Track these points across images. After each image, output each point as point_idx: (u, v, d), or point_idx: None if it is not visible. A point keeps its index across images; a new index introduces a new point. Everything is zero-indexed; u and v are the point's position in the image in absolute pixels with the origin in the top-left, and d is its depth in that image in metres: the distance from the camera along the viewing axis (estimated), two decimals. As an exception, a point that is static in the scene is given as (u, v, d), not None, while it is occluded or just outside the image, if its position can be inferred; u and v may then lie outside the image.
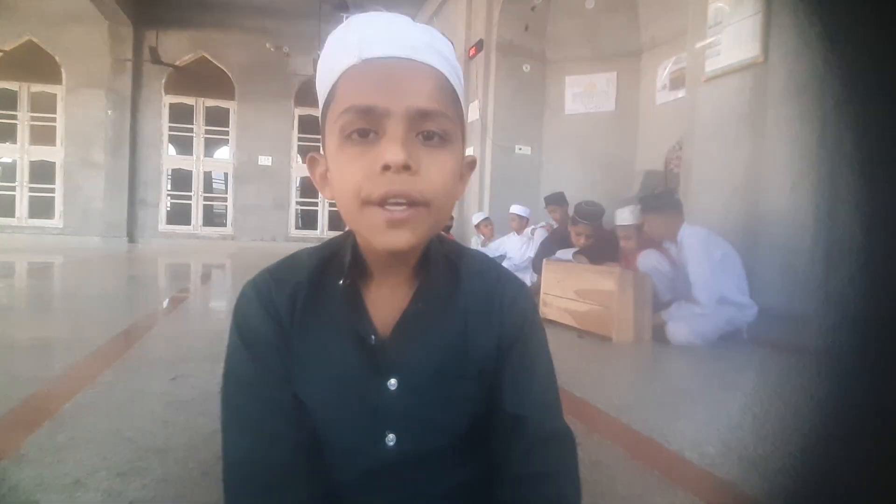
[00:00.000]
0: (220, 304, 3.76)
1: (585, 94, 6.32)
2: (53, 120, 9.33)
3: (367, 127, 0.47)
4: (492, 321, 0.60)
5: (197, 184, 10.11)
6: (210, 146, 11.31)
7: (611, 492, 1.10)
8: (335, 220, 10.00)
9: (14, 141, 9.39)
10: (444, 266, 0.60)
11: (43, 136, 9.41)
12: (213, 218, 11.25)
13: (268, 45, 9.03)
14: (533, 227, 4.81)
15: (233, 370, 0.57)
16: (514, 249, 4.80)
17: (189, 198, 10.14)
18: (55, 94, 9.29)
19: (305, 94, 9.98)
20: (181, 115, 9.87)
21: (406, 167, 0.46)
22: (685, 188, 3.72)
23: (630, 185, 5.64)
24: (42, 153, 9.45)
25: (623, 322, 2.72)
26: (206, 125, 10.09)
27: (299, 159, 10.31)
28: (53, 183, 9.37)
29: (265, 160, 10.10)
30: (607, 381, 2.12)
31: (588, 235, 3.43)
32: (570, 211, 3.94)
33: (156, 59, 9.05)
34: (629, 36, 5.87)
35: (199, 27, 9.54)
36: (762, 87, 3.08)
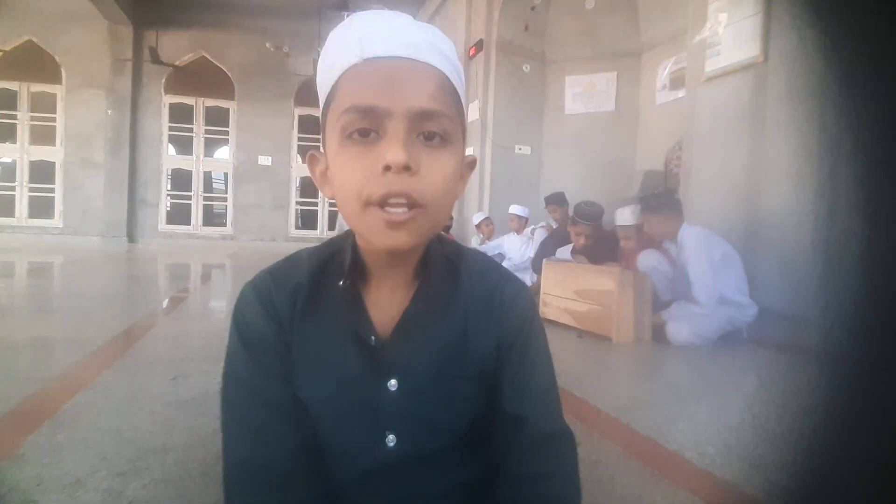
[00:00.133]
0: (219, 304, 3.76)
1: (585, 94, 6.32)
2: (53, 120, 9.33)
3: (368, 127, 0.47)
4: (492, 321, 0.60)
5: (197, 184, 10.12)
6: (210, 146, 11.32)
7: (611, 492, 1.10)
8: (335, 220, 9.98)
9: (14, 141, 9.40)
10: (444, 266, 0.60)
11: (43, 135, 9.42)
12: (212, 218, 11.25)
13: (268, 45, 9.03)
14: (533, 227, 4.81)
15: (233, 371, 0.57)
16: (513, 249, 4.80)
17: (189, 198, 10.15)
18: (55, 94, 9.30)
19: (305, 93, 9.98)
20: (181, 114, 9.87)
21: (407, 168, 0.46)
22: (685, 188, 3.72)
23: (630, 185, 5.64)
24: (42, 153, 9.45)
25: (623, 322, 2.72)
26: (206, 125, 10.09)
27: (299, 159, 10.32)
28: (53, 183, 9.38)
29: (265, 160, 10.10)
30: (607, 381, 2.12)
31: (588, 235, 3.43)
32: (570, 211, 3.94)
33: (156, 59, 9.05)
34: (629, 36, 5.87)
35: (199, 27, 9.54)
36: (762, 87, 3.08)
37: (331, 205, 10.09)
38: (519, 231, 4.86)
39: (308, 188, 10.55)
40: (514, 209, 4.87)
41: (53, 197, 9.39)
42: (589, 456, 1.24)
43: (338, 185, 0.50)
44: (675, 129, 4.82)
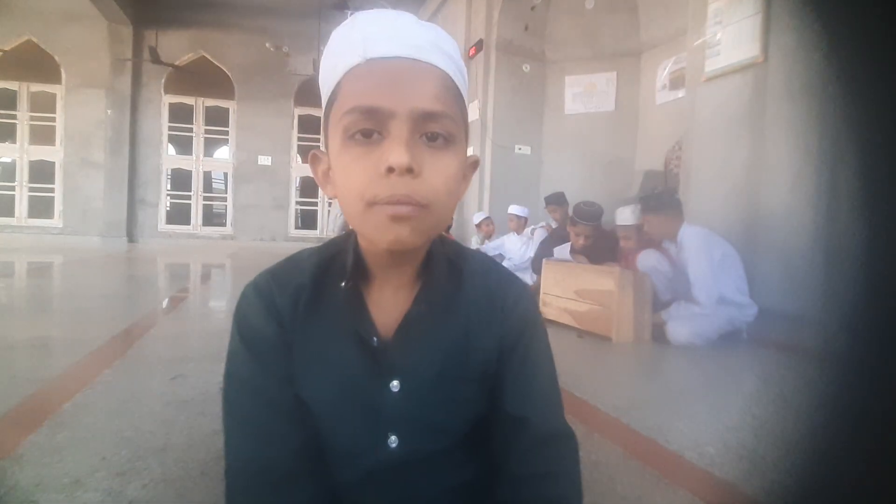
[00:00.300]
0: (219, 304, 3.76)
1: (585, 94, 6.32)
2: (53, 119, 9.33)
3: (370, 128, 0.47)
4: (494, 323, 0.60)
5: (197, 183, 10.11)
6: (210, 146, 11.32)
7: (611, 492, 1.10)
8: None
9: (14, 141, 9.40)
10: (446, 267, 0.60)
11: (42, 135, 9.41)
12: (212, 218, 11.25)
13: (268, 44, 9.03)
14: (533, 227, 4.81)
15: (234, 371, 0.57)
16: (513, 250, 4.80)
17: (189, 197, 10.15)
18: (55, 94, 9.30)
19: (305, 93, 9.98)
20: (181, 114, 9.87)
21: (410, 170, 0.45)
22: (685, 188, 3.73)
23: (630, 185, 5.64)
24: (41, 153, 9.45)
25: (623, 322, 2.72)
26: (206, 125, 10.09)
27: (299, 159, 10.32)
28: (53, 183, 9.38)
29: (265, 160, 10.10)
30: (607, 381, 2.12)
31: (587, 236, 3.43)
32: (570, 211, 3.93)
33: (155, 59, 9.05)
34: (629, 36, 5.87)
35: (198, 27, 9.54)
36: (762, 87, 3.08)
37: (331, 205, 10.08)
38: (519, 231, 4.86)
39: (308, 188, 10.55)
40: (514, 209, 4.87)
41: (53, 197, 9.39)
42: (589, 456, 1.24)
43: (340, 185, 0.50)
44: (674, 129, 4.82)
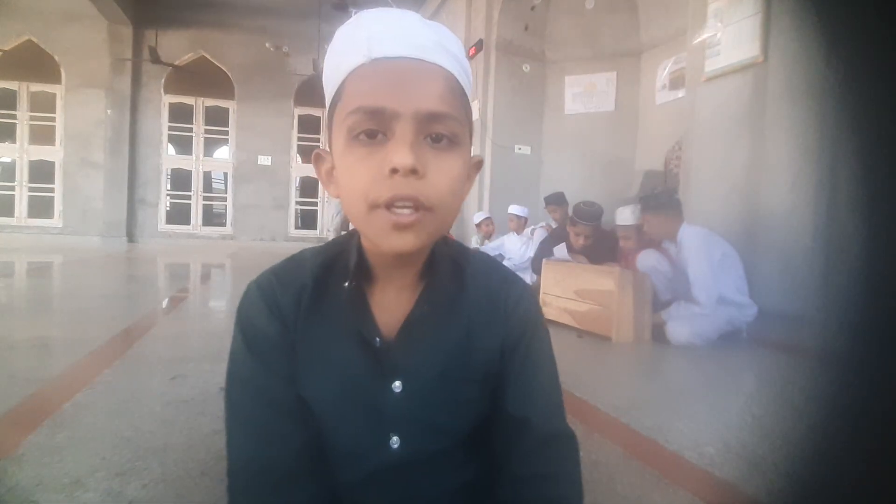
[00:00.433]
0: (219, 304, 3.76)
1: (585, 94, 6.32)
2: (53, 119, 9.33)
3: (375, 128, 0.47)
4: (496, 324, 0.60)
5: (196, 183, 10.11)
6: (210, 146, 11.31)
7: (610, 491, 1.10)
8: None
9: (13, 140, 9.39)
10: (449, 268, 0.60)
11: (42, 135, 9.41)
12: (212, 218, 11.25)
13: (268, 44, 9.03)
14: (532, 227, 4.81)
15: (236, 371, 0.57)
16: (513, 250, 4.80)
17: (189, 197, 10.14)
18: (54, 94, 9.30)
19: (305, 93, 9.98)
20: (181, 114, 9.87)
21: (414, 171, 0.45)
22: (685, 188, 3.73)
23: (630, 185, 5.64)
24: (41, 153, 9.45)
25: (623, 322, 2.72)
26: (206, 125, 10.09)
27: (299, 159, 10.32)
28: (53, 182, 9.37)
29: (265, 160, 10.10)
30: (607, 381, 2.12)
31: (587, 236, 3.43)
32: (570, 211, 3.93)
33: (155, 59, 9.05)
34: (629, 36, 5.87)
35: (198, 27, 9.54)
36: (762, 87, 3.08)
37: (328, 205, 10.07)
38: (519, 231, 4.86)
39: (308, 188, 10.55)
40: (514, 209, 4.87)
41: (53, 197, 9.39)
42: (589, 456, 1.24)
43: (344, 185, 0.50)
44: (674, 129, 4.82)
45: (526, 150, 6.49)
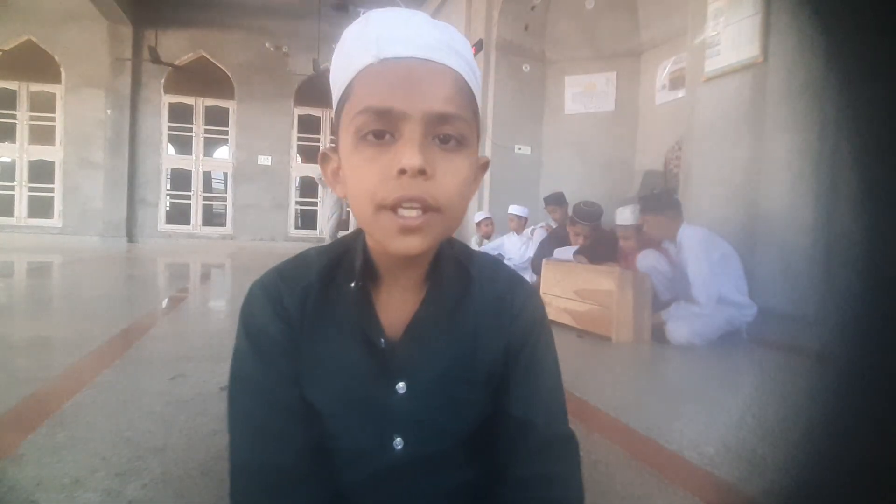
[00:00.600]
0: (219, 304, 3.76)
1: (585, 94, 6.32)
2: (52, 119, 9.32)
3: (383, 129, 0.46)
4: (501, 326, 0.60)
5: (196, 183, 10.11)
6: (209, 146, 11.31)
7: (610, 491, 1.10)
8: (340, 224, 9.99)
9: (13, 140, 9.38)
10: (454, 269, 0.59)
11: (42, 135, 9.40)
12: (212, 218, 11.24)
13: (267, 44, 9.03)
14: (532, 227, 4.81)
15: (240, 371, 0.57)
16: (513, 250, 4.80)
17: (188, 197, 10.14)
18: (54, 94, 9.29)
19: (305, 93, 9.97)
20: (180, 114, 9.86)
21: (422, 172, 0.45)
22: (684, 188, 3.73)
23: (630, 185, 5.64)
24: (41, 153, 9.44)
25: (622, 322, 2.72)
26: (206, 125, 10.08)
27: (299, 159, 10.31)
28: (52, 182, 9.37)
29: (265, 160, 10.09)
30: (607, 381, 2.12)
31: (586, 236, 3.43)
32: (570, 211, 3.94)
33: (155, 59, 9.04)
34: (629, 36, 5.87)
35: (198, 27, 9.53)
36: (761, 87, 3.08)
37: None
38: (519, 231, 4.86)
39: (308, 188, 10.55)
40: (514, 209, 4.87)
41: (53, 196, 9.38)
42: (589, 456, 1.24)
43: (351, 186, 0.50)
44: (674, 129, 4.82)
45: (526, 150, 6.49)
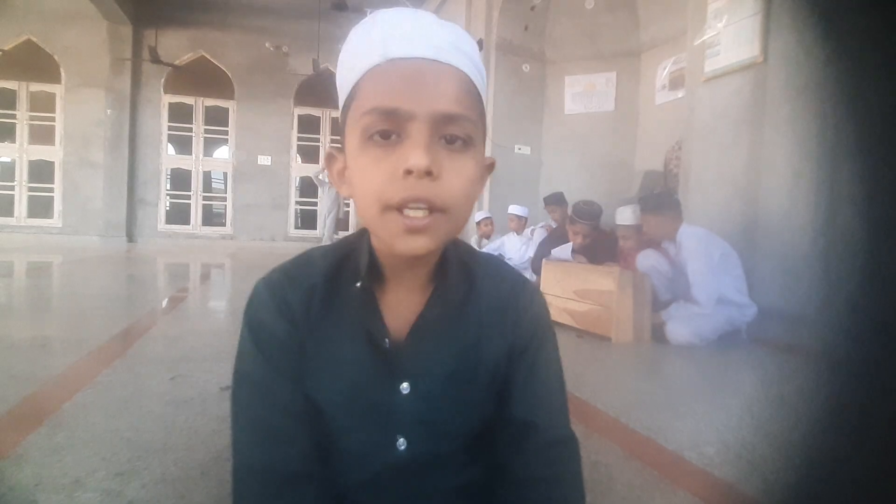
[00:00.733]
0: (219, 304, 3.76)
1: (585, 94, 6.32)
2: (52, 119, 9.32)
3: (389, 129, 0.46)
4: (506, 327, 0.60)
5: (196, 183, 10.11)
6: (209, 146, 11.31)
7: (610, 491, 1.10)
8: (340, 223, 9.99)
9: (13, 140, 9.39)
10: (459, 270, 0.59)
11: (42, 135, 9.41)
12: (212, 217, 11.24)
13: (267, 44, 9.03)
14: (532, 227, 4.81)
15: (244, 370, 0.57)
16: (513, 250, 4.80)
17: (188, 197, 10.14)
18: (54, 94, 9.29)
19: (305, 93, 9.97)
20: (180, 114, 9.86)
21: (429, 173, 0.45)
22: (684, 188, 3.73)
23: (629, 186, 5.64)
24: (41, 152, 9.44)
25: (622, 322, 2.72)
26: (206, 125, 10.08)
27: (299, 159, 10.31)
28: (52, 182, 9.37)
29: (264, 160, 10.09)
30: (607, 381, 2.12)
31: (586, 235, 3.44)
32: (570, 210, 3.94)
33: (155, 59, 9.04)
34: (629, 36, 5.88)
35: (198, 26, 9.53)
36: (761, 88, 3.08)
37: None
38: (519, 231, 4.86)
39: (307, 188, 10.55)
40: (514, 209, 4.87)
41: (52, 196, 9.38)
42: (588, 456, 1.24)
43: (357, 186, 0.50)
44: (674, 129, 4.82)
45: (526, 150, 6.49)
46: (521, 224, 4.85)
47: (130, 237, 9.47)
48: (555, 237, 4.19)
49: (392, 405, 0.56)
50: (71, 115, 9.26)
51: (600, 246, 3.41)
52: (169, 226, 9.90)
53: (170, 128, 9.85)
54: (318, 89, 9.63)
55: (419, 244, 0.47)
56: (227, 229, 10.13)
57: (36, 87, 9.33)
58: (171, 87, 9.68)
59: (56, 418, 1.37)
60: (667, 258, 2.97)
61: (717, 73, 3.41)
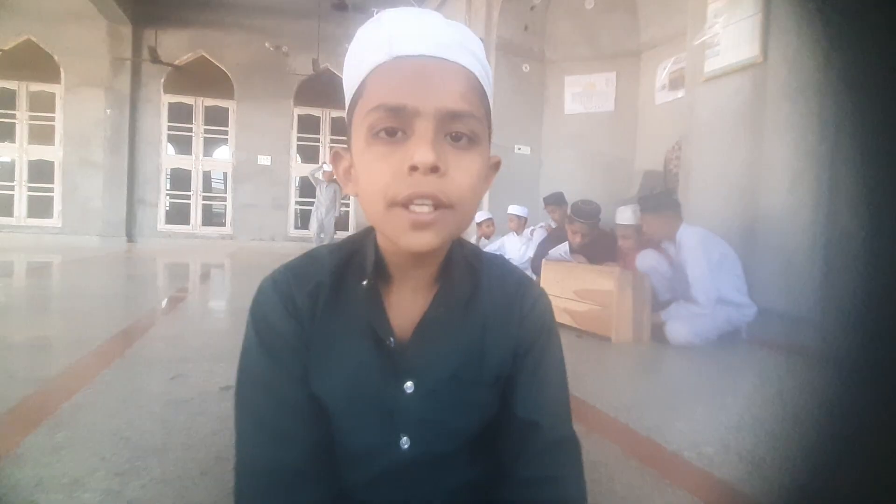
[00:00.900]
0: (219, 304, 3.76)
1: (585, 94, 6.32)
2: (52, 119, 9.31)
3: (395, 126, 0.47)
4: (510, 328, 0.60)
5: (196, 183, 10.10)
6: (209, 145, 11.30)
7: (609, 491, 1.10)
8: (337, 222, 9.99)
9: (13, 140, 9.38)
10: (465, 270, 0.59)
11: (41, 135, 9.40)
12: (212, 217, 11.23)
13: (267, 44, 9.02)
14: (532, 227, 4.81)
15: (248, 368, 0.57)
16: (513, 250, 4.80)
17: (188, 197, 10.13)
18: (54, 94, 9.28)
19: (305, 93, 9.97)
20: (180, 114, 9.86)
21: (434, 169, 0.45)
22: (684, 188, 3.73)
23: (629, 186, 5.64)
24: (40, 152, 9.43)
25: (622, 322, 2.72)
26: (206, 124, 10.07)
27: (299, 159, 10.31)
28: (52, 182, 9.36)
29: (264, 160, 10.09)
30: (606, 381, 2.12)
31: (584, 234, 3.44)
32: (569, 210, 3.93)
33: (155, 59, 9.04)
34: (628, 36, 5.87)
35: (198, 26, 9.53)
36: (761, 88, 3.08)
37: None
38: (519, 231, 4.86)
39: (307, 188, 10.54)
40: (513, 209, 4.87)
41: (52, 196, 9.37)
42: (588, 456, 1.23)
43: (363, 183, 0.50)
44: (674, 129, 4.82)
45: (525, 150, 6.48)
46: (520, 224, 4.84)
47: (130, 237, 9.46)
48: (554, 237, 4.19)
49: (396, 404, 0.56)
50: (71, 115, 9.25)
51: (598, 245, 3.41)
52: (169, 226, 9.90)
53: (170, 128, 9.84)
54: (318, 89, 9.63)
55: (425, 240, 0.47)
56: (227, 229, 10.13)
57: (36, 86, 9.32)
58: (170, 87, 9.67)
59: (56, 418, 1.37)
60: (666, 258, 2.97)
61: (717, 73, 3.41)
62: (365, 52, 0.49)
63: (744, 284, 2.79)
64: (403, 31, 0.48)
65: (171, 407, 1.49)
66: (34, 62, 9.00)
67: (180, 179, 10.21)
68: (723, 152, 3.35)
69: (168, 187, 10.20)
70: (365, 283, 0.55)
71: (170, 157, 10.25)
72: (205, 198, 10.49)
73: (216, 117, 10.08)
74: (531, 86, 6.48)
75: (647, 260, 2.97)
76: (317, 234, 7.98)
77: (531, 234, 4.74)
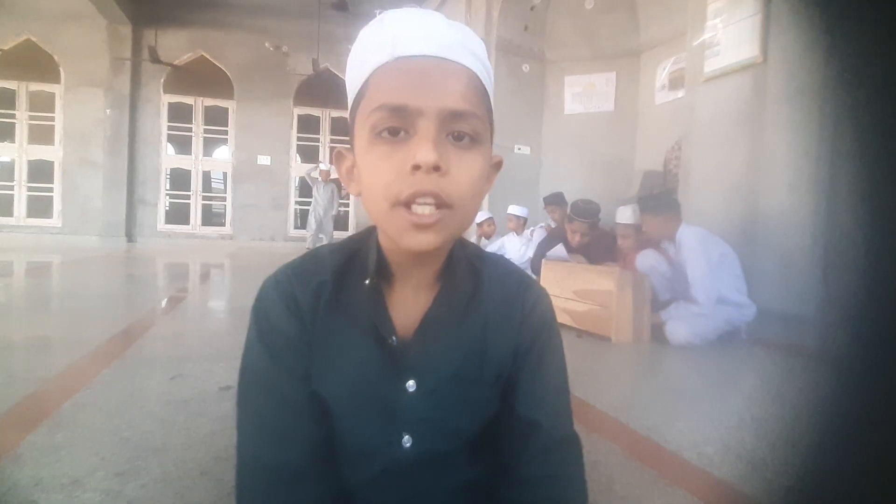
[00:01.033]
0: (218, 304, 3.75)
1: (585, 94, 6.32)
2: (52, 119, 9.31)
3: (398, 126, 0.47)
4: (511, 327, 0.60)
5: (196, 183, 10.10)
6: (209, 145, 11.30)
7: (609, 491, 1.10)
8: (336, 221, 10.01)
9: (12, 140, 9.38)
10: (466, 270, 0.60)
11: (41, 135, 9.40)
12: (211, 217, 11.23)
13: (267, 44, 9.01)
14: (532, 227, 4.81)
15: (251, 367, 0.57)
16: (514, 250, 4.80)
17: (188, 197, 10.13)
18: (53, 94, 9.28)
19: (305, 93, 9.97)
20: (180, 114, 9.86)
21: (436, 168, 0.46)
22: (684, 188, 3.73)
23: (629, 186, 5.64)
24: (40, 152, 9.43)
25: (622, 322, 2.72)
26: (205, 124, 10.08)
27: (298, 159, 10.31)
28: (52, 182, 9.36)
29: (264, 160, 10.09)
30: (606, 381, 2.12)
31: (584, 233, 3.44)
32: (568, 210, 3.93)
33: (155, 59, 9.03)
34: (628, 36, 5.87)
35: (198, 26, 9.53)
36: (761, 88, 3.08)
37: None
38: (518, 231, 4.86)
39: (307, 188, 10.54)
40: (513, 209, 4.87)
41: (52, 196, 9.37)
42: (588, 456, 1.23)
43: (365, 183, 0.50)
44: (674, 129, 4.83)
45: (525, 150, 6.48)
46: (520, 224, 4.85)
47: (130, 237, 9.46)
48: (554, 237, 4.18)
49: (398, 403, 0.56)
50: (70, 115, 9.25)
51: (598, 245, 3.41)
52: (168, 226, 9.90)
53: (169, 128, 9.84)
54: (317, 89, 9.62)
55: (426, 240, 0.48)
56: (227, 229, 10.13)
57: (35, 86, 9.32)
58: (170, 87, 9.67)
59: (55, 418, 1.37)
60: (666, 258, 2.97)
61: (717, 73, 3.41)
62: (368, 52, 0.50)
63: (743, 284, 2.79)
64: (406, 32, 0.48)
65: (171, 407, 1.49)
66: (34, 62, 9.00)
67: (180, 179, 10.21)
68: (723, 152, 3.36)
69: (168, 187, 10.20)
70: (367, 281, 0.55)
71: (170, 157, 10.25)
72: (204, 198, 10.49)
73: (216, 117, 10.08)
74: (531, 86, 6.48)
75: (646, 260, 2.97)
76: (314, 233, 7.98)
77: (531, 234, 4.74)
